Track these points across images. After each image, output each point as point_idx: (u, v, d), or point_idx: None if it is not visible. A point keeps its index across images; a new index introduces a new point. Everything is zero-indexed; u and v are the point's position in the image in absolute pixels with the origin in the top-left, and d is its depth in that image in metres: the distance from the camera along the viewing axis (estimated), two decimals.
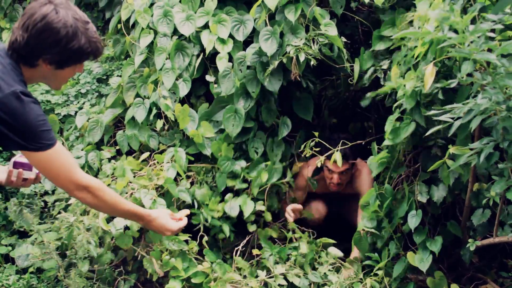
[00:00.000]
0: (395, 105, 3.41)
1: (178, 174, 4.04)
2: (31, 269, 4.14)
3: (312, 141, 3.95)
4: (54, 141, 2.50)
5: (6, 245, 4.33)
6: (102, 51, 2.62)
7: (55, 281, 4.04)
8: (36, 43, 2.43)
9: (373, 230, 3.66)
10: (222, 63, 4.17)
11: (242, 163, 4.19)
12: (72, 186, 2.58)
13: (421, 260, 3.43)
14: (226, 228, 4.09)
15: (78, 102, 4.85)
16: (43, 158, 2.48)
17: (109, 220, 3.83)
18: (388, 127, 3.43)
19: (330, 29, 3.94)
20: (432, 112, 2.94)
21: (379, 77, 4.03)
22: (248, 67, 4.13)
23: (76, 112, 4.71)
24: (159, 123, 4.23)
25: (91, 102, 4.82)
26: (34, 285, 4.10)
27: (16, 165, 2.90)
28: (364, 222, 3.70)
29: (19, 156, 2.89)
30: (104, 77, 4.97)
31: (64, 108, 4.80)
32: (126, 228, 3.83)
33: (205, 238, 4.00)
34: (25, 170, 2.91)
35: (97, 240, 3.86)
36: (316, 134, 3.95)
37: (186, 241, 3.92)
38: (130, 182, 3.94)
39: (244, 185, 4.16)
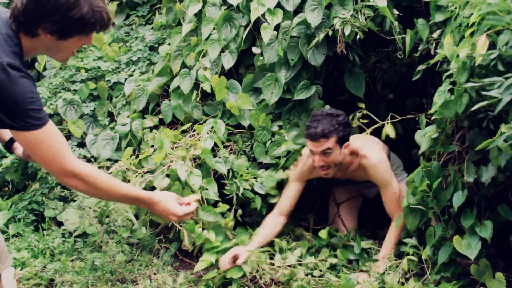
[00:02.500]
0: (445, 74, 3.20)
1: (216, 145, 4.02)
2: (76, 233, 4.19)
3: (359, 113, 3.80)
4: (44, 122, 2.30)
5: (53, 208, 4.39)
6: (108, 22, 2.40)
7: (99, 246, 4.07)
8: (34, 9, 2.26)
9: (419, 207, 3.46)
10: (267, 33, 4.07)
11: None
12: (61, 172, 2.39)
13: (468, 246, 3.21)
14: (258, 201, 4.04)
15: (129, 70, 4.85)
16: (30, 139, 2.30)
17: None
18: (437, 99, 3.19)
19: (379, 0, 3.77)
20: (478, 84, 2.73)
21: (430, 48, 3.82)
22: (292, 37, 4.02)
23: (126, 80, 4.72)
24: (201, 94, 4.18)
25: (141, 70, 4.81)
26: (78, 249, 4.16)
27: None
28: (409, 198, 3.52)
29: None
30: (156, 45, 4.95)
31: (114, 75, 4.81)
32: None
33: (239, 211, 3.98)
34: None
35: (133, 212, 3.88)
36: (363, 105, 3.79)
37: (223, 214, 3.89)
38: (169, 154, 3.92)
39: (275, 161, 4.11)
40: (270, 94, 4.07)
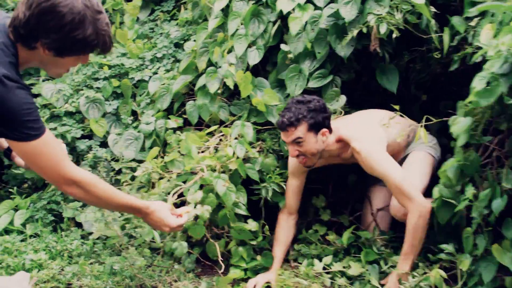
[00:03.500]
0: (486, 65, 2.94)
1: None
2: (96, 235, 4.05)
3: (395, 112, 3.61)
4: (41, 132, 2.29)
5: (74, 209, 4.27)
6: (110, 46, 2.38)
7: (119, 250, 3.93)
8: (37, 24, 2.20)
9: (451, 201, 3.22)
10: (295, 25, 3.88)
11: None
12: (61, 180, 2.39)
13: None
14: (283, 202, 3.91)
15: (153, 67, 4.72)
16: (28, 149, 2.29)
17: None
18: (476, 83, 2.91)
19: None
20: None
21: (467, 37, 3.61)
22: (321, 29, 3.86)
23: (150, 77, 4.58)
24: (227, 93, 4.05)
25: (166, 68, 4.68)
26: (97, 252, 4.03)
27: None
28: (440, 188, 3.28)
29: None
30: (182, 42, 4.81)
31: (138, 72, 4.68)
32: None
33: (266, 228, 3.89)
34: None
35: None
36: (397, 107, 3.60)
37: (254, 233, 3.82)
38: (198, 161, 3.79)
39: None
40: (294, 87, 3.91)
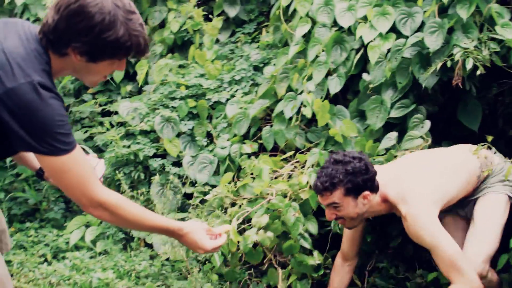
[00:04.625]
0: None
1: None
2: (164, 257, 4.02)
3: (483, 145, 3.43)
4: (72, 147, 2.16)
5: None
6: (145, 48, 2.23)
7: (187, 273, 3.88)
8: (66, 27, 2.10)
9: None
10: (374, 54, 3.78)
11: None
12: (86, 202, 2.23)
13: None
14: None
15: (231, 89, 4.68)
16: (56, 165, 2.15)
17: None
18: None
19: (507, 31, 3.42)
20: None
21: None
22: (403, 58, 3.73)
23: (227, 100, 4.54)
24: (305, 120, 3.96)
25: (244, 90, 4.63)
26: (164, 274, 3.99)
27: None
28: None
29: None
30: (261, 65, 4.76)
31: (215, 94, 4.65)
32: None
33: (329, 261, 3.74)
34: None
35: (226, 250, 3.68)
36: (489, 138, 3.42)
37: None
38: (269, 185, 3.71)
39: None
40: (375, 119, 3.77)
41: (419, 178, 3.17)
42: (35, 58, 2.12)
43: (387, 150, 3.69)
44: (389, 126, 3.79)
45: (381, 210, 3.23)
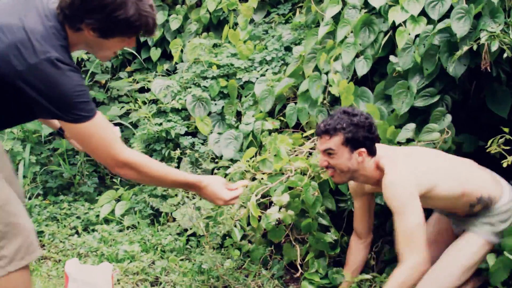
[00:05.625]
0: None
1: None
2: (190, 232, 4.10)
3: (501, 137, 3.39)
4: (93, 113, 2.34)
5: (171, 205, 4.33)
6: (154, 28, 2.39)
7: (210, 249, 3.95)
8: (80, 4, 2.26)
9: None
10: (402, 39, 3.74)
11: None
12: (112, 162, 2.43)
13: None
14: None
15: (261, 69, 4.71)
16: (81, 131, 2.35)
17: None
18: None
19: None
20: None
21: None
22: (432, 45, 3.67)
23: (257, 79, 4.57)
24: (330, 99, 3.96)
25: (274, 70, 4.65)
26: (189, 249, 4.07)
27: None
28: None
29: None
30: (292, 46, 4.76)
31: (246, 73, 4.68)
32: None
33: (345, 239, 3.76)
34: None
35: (245, 225, 3.76)
36: (507, 129, 3.37)
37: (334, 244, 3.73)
38: (288, 162, 3.73)
39: None
40: (401, 103, 3.73)
41: (415, 160, 3.15)
42: (53, 34, 2.28)
43: (408, 140, 3.67)
44: (415, 112, 3.76)
45: (372, 178, 3.18)
